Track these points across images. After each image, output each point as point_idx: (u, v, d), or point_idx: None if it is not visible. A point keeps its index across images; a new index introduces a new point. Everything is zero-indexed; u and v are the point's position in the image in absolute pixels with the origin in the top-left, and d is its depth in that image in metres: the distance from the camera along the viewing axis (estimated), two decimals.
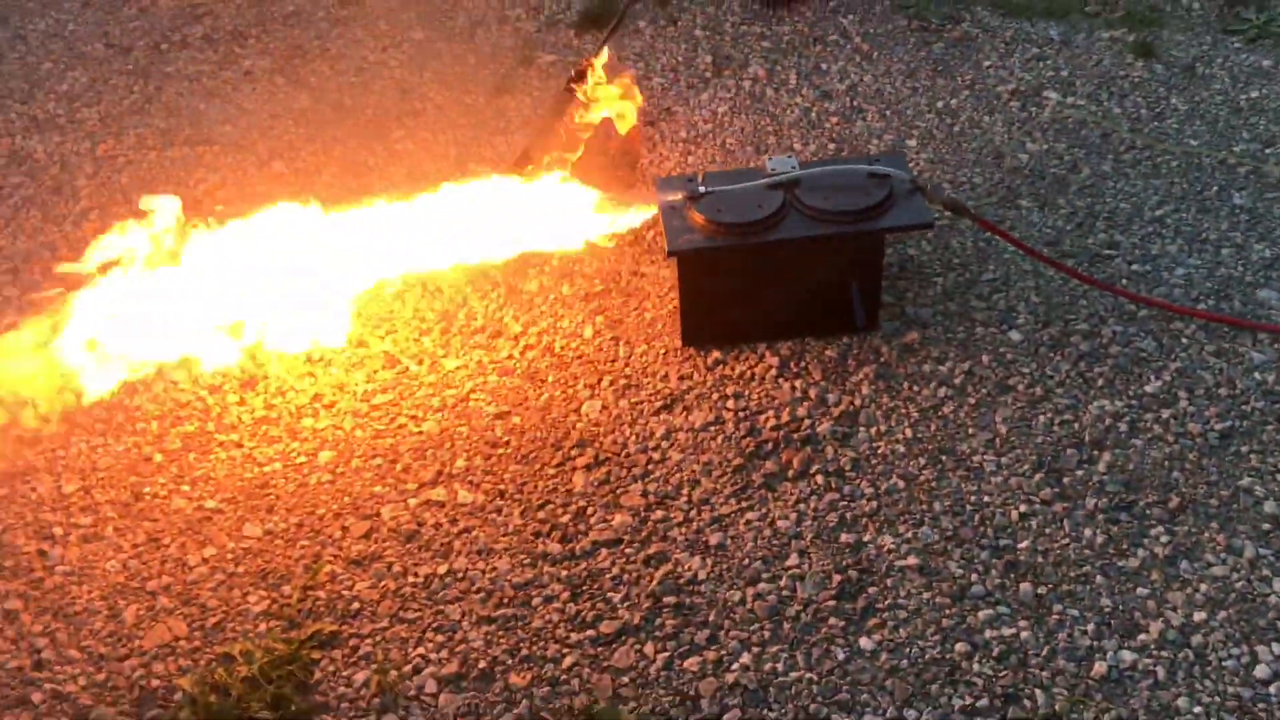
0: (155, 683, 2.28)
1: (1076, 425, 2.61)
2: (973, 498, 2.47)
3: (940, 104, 3.61)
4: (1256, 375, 2.69)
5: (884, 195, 2.69)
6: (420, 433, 2.73)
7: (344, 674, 2.27)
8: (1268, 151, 3.33)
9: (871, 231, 2.68)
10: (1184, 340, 2.78)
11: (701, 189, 2.74)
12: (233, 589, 2.44)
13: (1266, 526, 2.37)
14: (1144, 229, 3.10)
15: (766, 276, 2.74)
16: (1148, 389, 2.67)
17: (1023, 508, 2.45)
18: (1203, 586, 2.28)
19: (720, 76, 3.80)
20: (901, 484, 2.51)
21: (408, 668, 2.27)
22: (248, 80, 3.98)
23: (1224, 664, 2.15)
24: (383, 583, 2.42)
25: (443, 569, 2.44)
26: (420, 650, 2.30)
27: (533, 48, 4.03)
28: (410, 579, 2.43)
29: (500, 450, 2.67)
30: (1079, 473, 2.50)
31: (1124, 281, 2.94)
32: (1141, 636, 2.20)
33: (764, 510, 2.49)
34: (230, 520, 2.57)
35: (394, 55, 4.06)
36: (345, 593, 2.41)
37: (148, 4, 4.42)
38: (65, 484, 2.67)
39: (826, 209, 2.68)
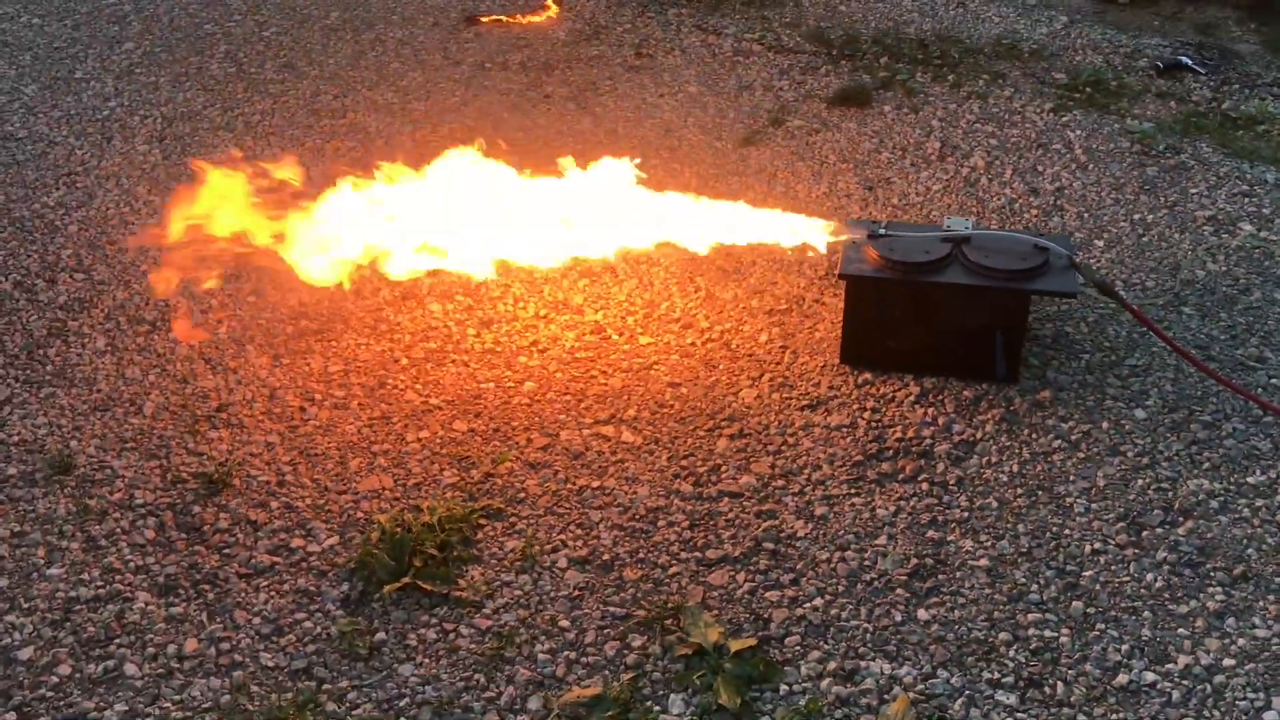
0: (360, 514, 2.92)
1: (1170, 494, 2.88)
2: (1054, 528, 2.80)
3: (1137, 217, 3.92)
4: None
5: (1039, 263, 3.08)
6: (606, 385, 3.29)
7: (500, 539, 2.84)
8: None
9: (1019, 290, 3.07)
10: None
11: (881, 231, 3.21)
12: (434, 464, 3.06)
13: None
14: None
15: (922, 315, 3.17)
16: (1250, 479, 2.91)
17: (1097, 544, 2.75)
18: (1240, 641, 2.52)
19: (943, 161, 4.25)
20: (995, 504, 2.87)
21: (549, 546, 2.81)
22: (545, 102, 4.75)
23: (1237, 702, 2.39)
24: (547, 484, 2.98)
25: (595, 484, 2.98)
26: (562, 536, 2.84)
27: (786, 113, 4.61)
28: (569, 485, 2.98)
29: (665, 410, 3.20)
30: (1159, 530, 2.78)
31: (1260, 390, 3.18)
32: (1169, 665, 2.47)
33: (869, 499, 2.90)
34: (445, 416, 3.21)
35: (668, 101, 4.74)
36: (516, 484, 2.99)
37: (483, 31, 5.31)
38: (331, 366, 3.39)
39: (984, 265, 3.09)
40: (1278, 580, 2.65)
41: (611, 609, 2.65)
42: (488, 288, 3.68)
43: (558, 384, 3.31)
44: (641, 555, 2.78)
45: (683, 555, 2.77)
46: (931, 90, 4.73)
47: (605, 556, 2.78)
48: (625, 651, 2.55)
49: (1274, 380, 3.22)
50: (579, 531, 2.85)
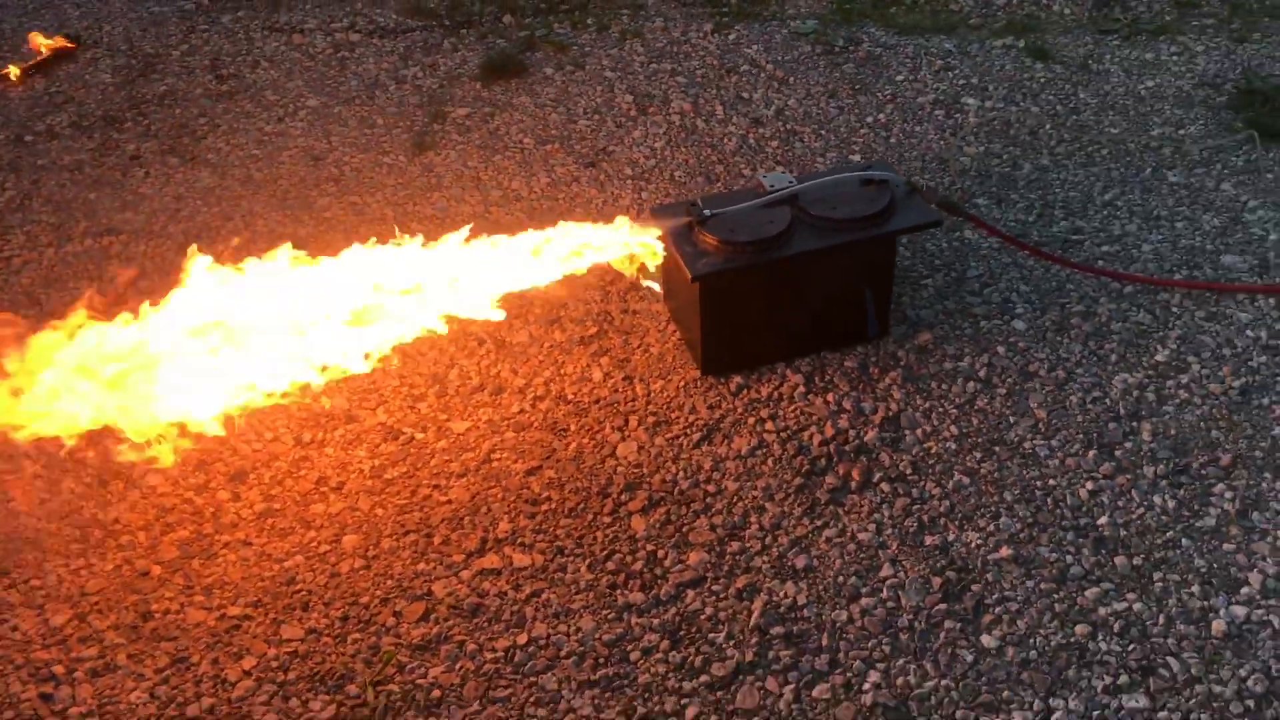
0: None
1: (1108, 400, 2.65)
2: (1038, 483, 2.47)
3: (869, 119, 3.67)
4: (1249, 333, 2.80)
5: (887, 200, 2.69)
6: (449, 501, 2.52)
7: None
8: (1181, 133, 3.53)
9: (885, 235, 2.67)
10: (1174, 310, 2.89)
11: (706, 212, 2.66)
12: (289, 699, 2.17)
13: None
14: (1100, 213, 3.22)
15: (782, 293, 2.69)
16: (1159, 358, 2.75)
17: (1089, 485, 2.45)
18: None
19: (646, 114, 3.75)
20: (966, 480, 2.48)
21: None
22: (136, 165, 3.67)
23: None
24: (459, 664, 2.20)
25: (522, 639, 2.24)
26: None
27: (441, 103, 3.88)
28: (488, 655, 2.22)
29: (543, 507, 2.49)
30: (1128, 444, 2.54)
31: (1100, 263, 3.03)
32: (1244, 590, 2.23)
33: (840, 526, 2.41)
34: (263, 625, 2.30)
35: (292, 124, 3.83)
36: (420, 681, 2.18)
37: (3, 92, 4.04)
38: (52, 616, 2.33)
39: (837, 218, 2.65)
40: (1258, 454, 2.50)
41: None
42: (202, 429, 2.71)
43: (385, 523, 2.48)
44: (641, 710, 2.11)
45: (687, 686, 2.14)
46: (581, 41, 4.19)
47: None
48: None
49: (1103, 248, 3.09)
50: (542, 712, 2.12)
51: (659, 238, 2.69)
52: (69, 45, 4.24)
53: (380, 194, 3.47)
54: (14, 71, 4.06)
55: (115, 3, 4.59)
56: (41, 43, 4.19)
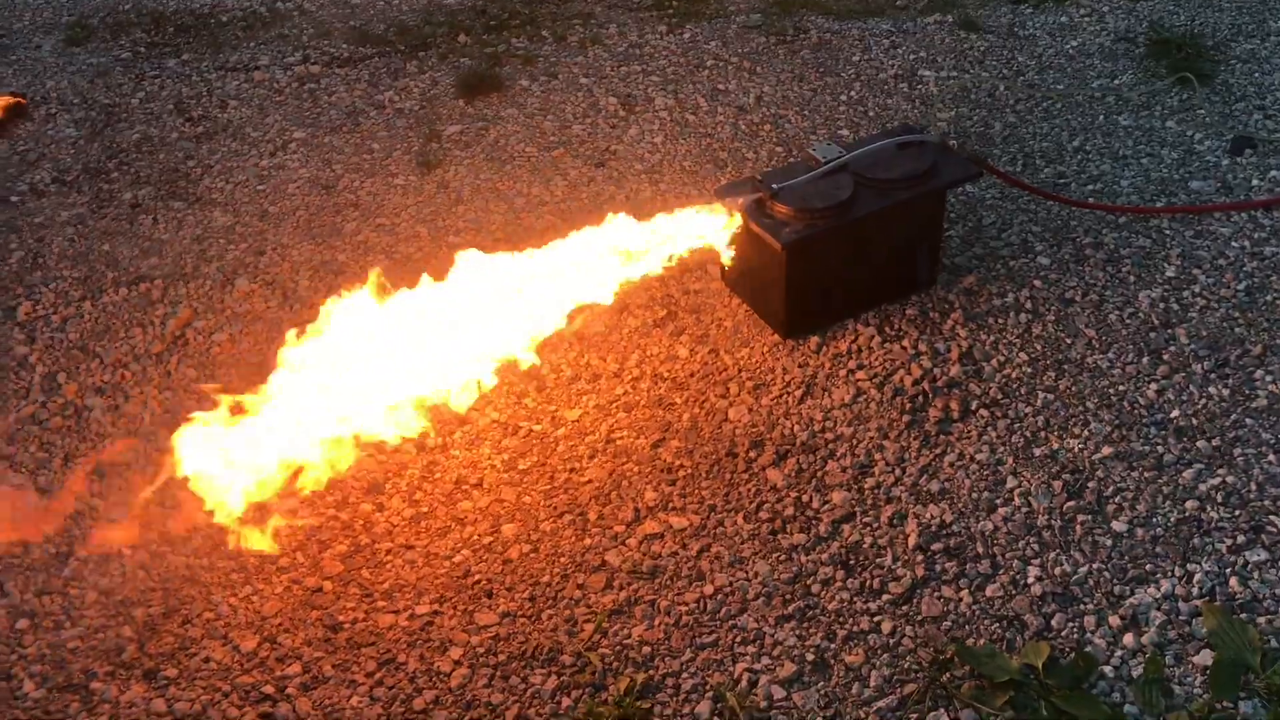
0: None
1: (1141, 314, 2.99)
2: (1110, 390, 2.78)
3: (844, 96, 3.95)
4: (1234, 244, 3.20)
5: (933, 158, 2.97)
6: (589, 481, 2.66)
7: (684, 712, 2.19)
8: (1116, 83, 3.94)
9: (936, 189, 2.94)
10: (1167, 233, 3.26)
11: (775, 186, 2.88)
12: (509, 677, 2.27)
13: None
14: (1074, 158, 3.58)
15: (852, 253, 2.93)
16: (1169, 274, 3.11)
17: (1154, 386, 2.78)
18: None
19: (634, 113, 3.94)
20: (1050, 396, 2.78)
21: (742, 684, 2.23)
22: (141, 212, 3.63)
23: None
24: (657, 620, 2.35)
25: (708, 590, 2.41)
26: (742, 664, 2.26)
27: (430, 123, 3.97)
28: (681, 609, 2.37)
29: (680, 474, 2.66)
30: (1172, 348, 2.88)
31: (1092, 198, 3.39)
32: None
33: (957, 451, 2.66)
34: (455, 617, 2.39)
35: (287, 157, 3.86)
36: (626, 642, 2.32)
37: None
38: (241, 643, 2.36)
39: (895, 178, 2.91)
40: (1279, 342, 2.88)
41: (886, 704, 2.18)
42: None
43: (537, 508, 2.60)
44: (841, 633, 2.30)
45: (873, 606, 2.35)
46: (544, 53, 4.34)
47: (809, 657, 2.27)
48: None
49: (1089, 187, 3.45)
50: (752, 649, 2.29)
51: (733, 214, 2.89)
52: (19, 101, 4.14)
53: (406, 214, 3.55)
54: None
55: (49, 59, 4.48)
56: None
